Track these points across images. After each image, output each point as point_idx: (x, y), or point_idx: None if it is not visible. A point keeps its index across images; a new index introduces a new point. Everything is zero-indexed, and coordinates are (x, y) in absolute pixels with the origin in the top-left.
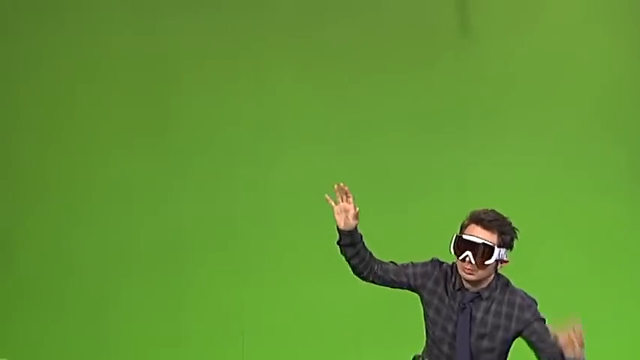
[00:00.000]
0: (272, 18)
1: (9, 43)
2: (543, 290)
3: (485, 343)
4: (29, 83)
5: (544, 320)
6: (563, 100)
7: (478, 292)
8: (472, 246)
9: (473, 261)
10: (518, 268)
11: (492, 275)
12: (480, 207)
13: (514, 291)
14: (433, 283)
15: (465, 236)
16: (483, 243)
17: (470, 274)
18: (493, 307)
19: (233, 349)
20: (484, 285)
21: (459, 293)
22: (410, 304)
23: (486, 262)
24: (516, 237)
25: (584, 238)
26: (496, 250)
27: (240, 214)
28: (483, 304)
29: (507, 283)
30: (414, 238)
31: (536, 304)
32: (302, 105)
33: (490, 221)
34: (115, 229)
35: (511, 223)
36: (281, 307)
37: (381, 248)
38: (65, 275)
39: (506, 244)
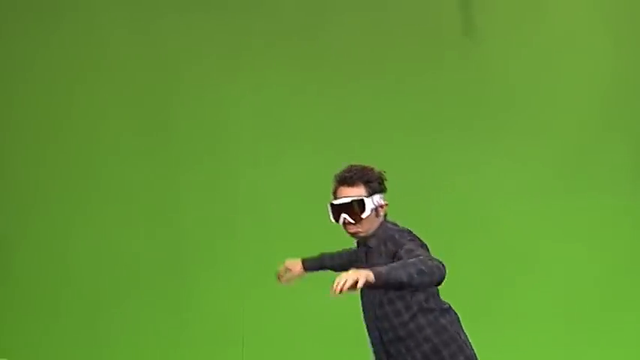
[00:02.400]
0: (273, 18)
1: (7, 43)
2: (549, 291)
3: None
4: (27, 84)
5: (414, 243)
6: (567, 101)
7: (368, 244)
8: (345, 207)
9: (351, 220)
10: (522, 269)
11: (378, 223)
12: (484, 208)
13: (391, 228)
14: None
15: (335, 202)
16: (353, 200)
17: (356, 232)
18: (381, 248)
19: (233, 354)
20: (370, 234)
21: (360, 251)
22: None
23: (363, 216)
24: (383, 178)
25: (589, 238)
26: (367, 201)
27: (240, 216)
28: (374, 253)
29: (387, 224)
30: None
31: (410, 232)
32: (304, 106)
33: (351, 177)
34: (114, 230)
35: (373, 169)
36: (282, 311)
37: None
38: (65, 276)
39: (376, 189)
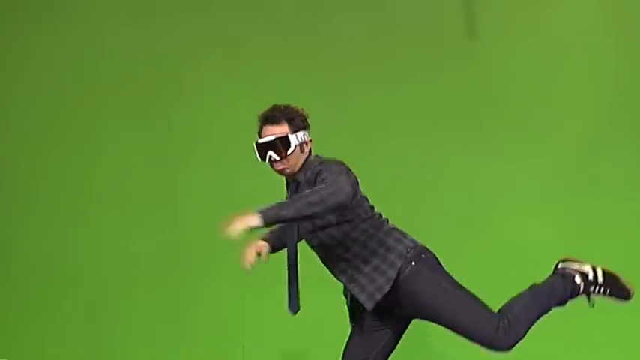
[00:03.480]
0: (274, 18)
1: (5, 43)
2: None
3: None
4: (27, 83)
5: (332, 170)
6: (571, 101)
7: (297, 180)
8: (269, 145)
9: (277, 158)
10: (526, 272)
11: (304, 159)
12: (486, 209)
13: (316, 160)
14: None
15: (260, 141)
16: (277, 138)
17: (284, 169)
18: (309, 179)
19: (234, 356)
20: (297, 171)
21: (291, 188)
22: None
23: (289, 152)
24: (306, 115)
25: (594, 240)
26: (291, 137)
27: None
28: (304, 187)
29: (312, 158)
30: (421, 239)
31: (336, 162)
32: (305, 106)
33: (274, 115)
34: (113, 230)
35: (296, 107)
36: (283, 313)
37: None
38: (65, 276)
39: (299, 126)
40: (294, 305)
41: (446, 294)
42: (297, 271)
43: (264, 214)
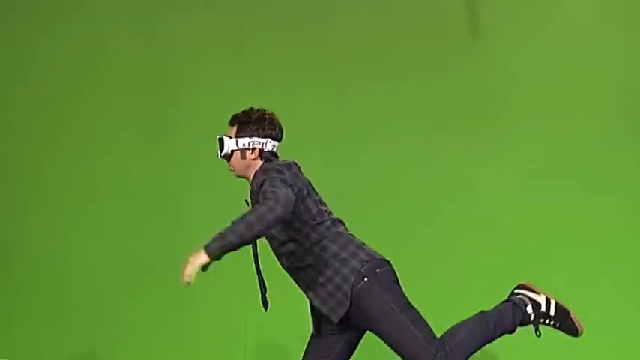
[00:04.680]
0: (275, 18)
1: (5, 42)
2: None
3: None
4: (27, 83)
5: (277, 172)
6: (575, 100)
7: (251, 186)
8: (218, 143)
9: (218, 156)
10: (528, 274)
11: (253, 166)
12: (489, 210)
13: (265, 169)
14: None
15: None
16: (218, 139)
17: (231, 171)
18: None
19: (235, 355)
20: (252, 177)
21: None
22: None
23: (222, 154)
24: (266, 124)
25: (599, 241)
26: (228, 141)
27: None
28: (252, 196)
29: (266, 166)
30: (422, 240)
31: (278, 170)
32: (306, 106)
33: (232, 117)
34: (114, 231)
35: (258, 112)
36: (284, 313)
37: (389, 250)
38: (65, 276)
39: (247, 133)
40: (264, 304)
41: (392, 316)
42: (260, 272)
43: (209, 248)
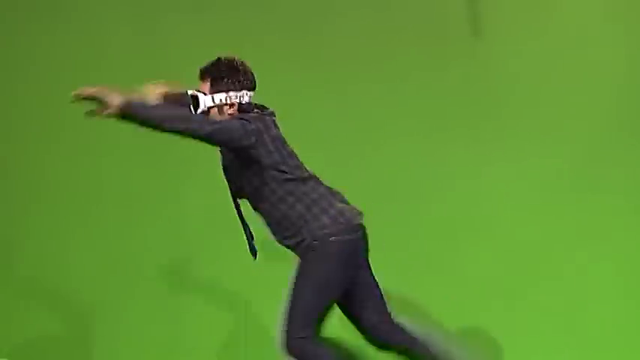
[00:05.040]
0: (276, 18)
1: (6, 42)
2: (561, 301)
3: (237, 175)
4: (27, 83)
5: (239, 116)
6: (578, 100)
7: None
8: (191, 100)
9: (193, 112)
10: (532, 276)
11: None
12: (491, 211)
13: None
14: None
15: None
16: (191, 95)
17: None
18: None
19: (236, 355)
20: None
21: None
22: (415, 316)
23: (198, 112)
24: (240, 75)
25: (604, 243)
26: (203, 98)
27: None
28: None
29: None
30: (424, 240)
31: (250, 114)
32: (307, 108)
33: (203, 71)
34: (115, 230)
35: (234, 64)
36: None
37: (390, 250)
38: (65, 276)
39: (223, 87)
40: (252, 252)
41: (305, 280)
42: (242, 218)
43: (128, 106)
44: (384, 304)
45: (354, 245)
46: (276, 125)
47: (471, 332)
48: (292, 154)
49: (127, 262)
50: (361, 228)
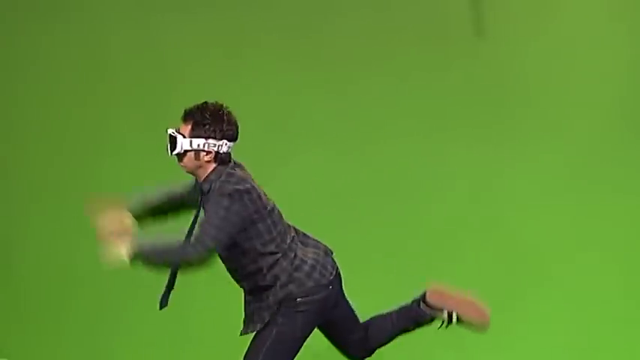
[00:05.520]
0: (277, 17)
1: (8, 43)
2: (564, 303)
3: None
4: (29, 84)
5: (229, 199)
6: (582, 99)
7: (202, 188)
8: (169, 139)
9: (169, 153)
10: (535, 278)
11: (207, 168)
12: (494, 210)
13: (223, 180)
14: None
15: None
16: (170, 135)
17: (181, 167)
18: (211, 197)
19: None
20: (204, 178)
21: (198, 191)
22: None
23: (174, 153)
24: (224, 126)
25: (608, 243)
26: (182, 140)
27: None
28: (209, 200)
29: (222, 173)
30: (426, 240)
31: (236, 189)
32: (311, 107)
33: (187, 113)
34: None
35: (215, 112)
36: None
37: (392, 250)
38: (66, 276)
39: (203, 134)
40: (164, 301)
41: (264, 340)
42: (175, 276)
43: (139, 249)
44: (358, 321)
45: (325, 300)
46: (256, 192)
47: (471, 332)
48: (279, 220)
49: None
50: (332, 279)
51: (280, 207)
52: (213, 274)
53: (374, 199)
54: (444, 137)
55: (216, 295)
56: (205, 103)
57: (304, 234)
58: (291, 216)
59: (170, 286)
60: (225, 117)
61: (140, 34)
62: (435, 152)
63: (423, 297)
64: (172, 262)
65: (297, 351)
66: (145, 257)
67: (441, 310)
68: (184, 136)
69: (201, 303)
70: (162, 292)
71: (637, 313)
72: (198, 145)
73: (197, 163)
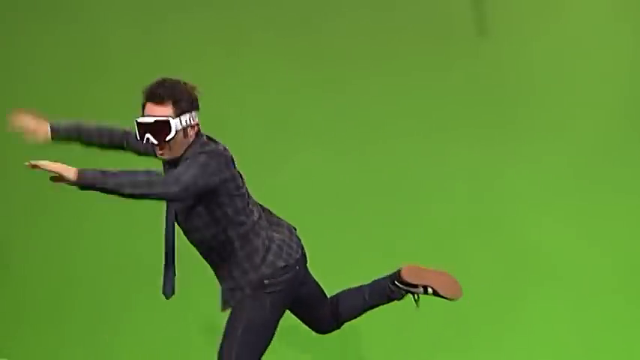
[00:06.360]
0: (278, 16)
1: (8, 42)
2: (568, 303)
3: (189, 205)
4: (29, 83)
5: (207, 157)
6: (585, 98)
7: (177, 164)
8: (149, 127)
9: (155, 142)
10: (539, 278)
11: (187, 144)
12: (497, 211)
13: (201, 147)
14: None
15: (139, 120)
16: (157, 120)
17: (163, 154)
18: None
19: None
20: (181, 156)
21: (166, 167)
22: (421, 317)
23: (168, 138)
24: (196, 95)
25: (613, 244)
26: (173, 122)
27: None
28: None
29: (203, 143)
30: (426, 240)
31: (216, 150)
32: (312, 107)
33: (160, 94)
34: (116, 230)
35: (185, 85)
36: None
37: (392, 250)
38: (66, 276)
39: (185, 108)
40: (168, 289)
41: (237, 324)
42: (174, 255)
43: (84, 175)
44: (325, 296)
45: (293, 280)
46: (233, 162)
47: (472, 332)
48: (249, 194)
49: (128, 262)
50: (299, 258)
51: (280, 206)
52: (213, 273)
53: (374, 199)
54: (445, 137)
55: (216, 295)
56: (164, 79)
57: (269, 211)
58: (291, 216)
59: (173, 271)
60: (188, 86)
61: (140, 34)
62: (436, 152)
63: (398, 275)
64: (142, 191)
65: (272, 334)
66: (98, 182)
67: (416, 285)
68: (173, 117)
69: (201, 303)
70: (163, 279)
71: (631, 301)
72: (186, 122)
73: (185, 141)
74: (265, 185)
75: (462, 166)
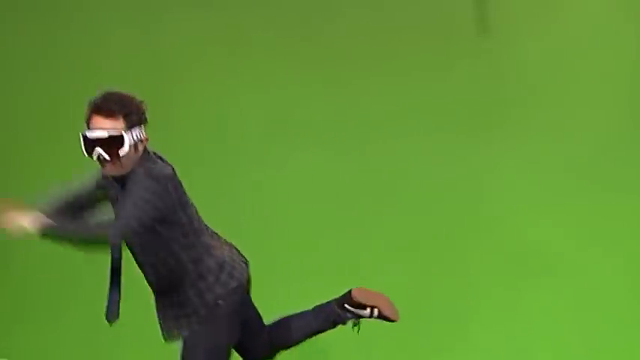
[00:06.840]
0: (279, 15)
1: (9, 42)
2: (568, 303)
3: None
4: (28, 83)
5: (154, 182)
6: (586, 98)
7: (124, 181)
8: (100, 142)
9: (107, 157)
10: (539, 278)
11: (136, 160)
12: (497, 210)
13: (147, 167)
14: (109, 187)
15: (88, 134)
16: (110, 135)
17: (113, 170)
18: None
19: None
20: (129, 169)
21: (113, 186)
22: (420, 316)
23: (121, 153)
24: (144, 108)
25: (613, 243)
26: (126, 136)
27: (246, 217)
28: (129, 182)
29: (146, 159)
30: (426, 240)
31: (162, 173)
32: (312, 106)
33: (109, 107)
34: None
35: (133, 98)
36: (285, 312)
37: (392, 250)
38: (66, 276)
39: (135, 122)
40: (112, 314)
41: (195, 347)
42: (119, 276)
43: (44, 227)
44: (263, 322)
45: (242, 300)
46: (177, 181)
47: (474, 332)
48: (196, 213)
49: (127, 262)
50: (248, 279)
51: (279, 206)
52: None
53: (374, 199)
54: (446, 137)
55: None
56: (111, 92)
57: (211, 229)
58: (291, 216)
59: (118, 294)
60: (136, 99)
61: (139, 34)
62: (437, 152)
63: (349, 297)
64: (86, 238)
65: (228, 358)
66: (56, 230)
67: (364, 306)
68: (125, 131)
69: None
70: (107, 303)
71: (632, 302)
72: (137, 136)
73: (135, 156)
74: (265, 185)
75: (462, 166)
